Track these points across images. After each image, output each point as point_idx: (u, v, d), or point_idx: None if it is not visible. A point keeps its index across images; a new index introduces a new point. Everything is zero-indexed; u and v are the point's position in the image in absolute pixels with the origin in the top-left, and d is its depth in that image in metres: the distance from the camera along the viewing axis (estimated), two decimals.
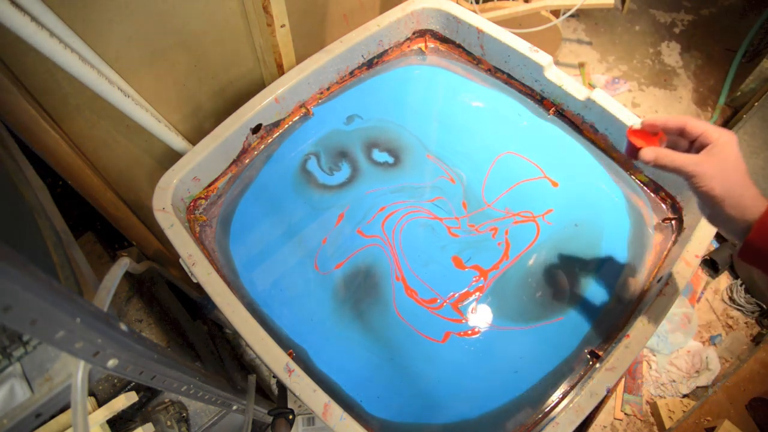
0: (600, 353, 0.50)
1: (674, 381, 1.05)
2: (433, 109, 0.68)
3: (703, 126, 0.40)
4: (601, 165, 0.62)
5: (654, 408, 1.01)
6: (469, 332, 0.52)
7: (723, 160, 0.38)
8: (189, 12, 0.58)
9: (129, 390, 0.60)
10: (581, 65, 1.39)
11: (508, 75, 0.69)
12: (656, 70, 1.49)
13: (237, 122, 0.61)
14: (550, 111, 0.66)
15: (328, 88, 0.70)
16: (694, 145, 0.40)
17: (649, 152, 0.40)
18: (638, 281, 0.55)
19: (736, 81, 1.41)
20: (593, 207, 0.59)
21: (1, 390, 0.49)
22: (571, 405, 0.45)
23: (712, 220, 0.40)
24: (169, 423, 0.62)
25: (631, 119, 0.58)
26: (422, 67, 0.72)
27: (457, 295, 0.54)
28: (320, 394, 0.45)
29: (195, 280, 0.52)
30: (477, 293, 0.54)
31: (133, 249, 0.83)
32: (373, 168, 0.63)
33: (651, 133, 0.42)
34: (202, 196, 0.62)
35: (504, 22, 1.25)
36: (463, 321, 0.53)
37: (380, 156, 0.64)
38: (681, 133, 0.41)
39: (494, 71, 0.70)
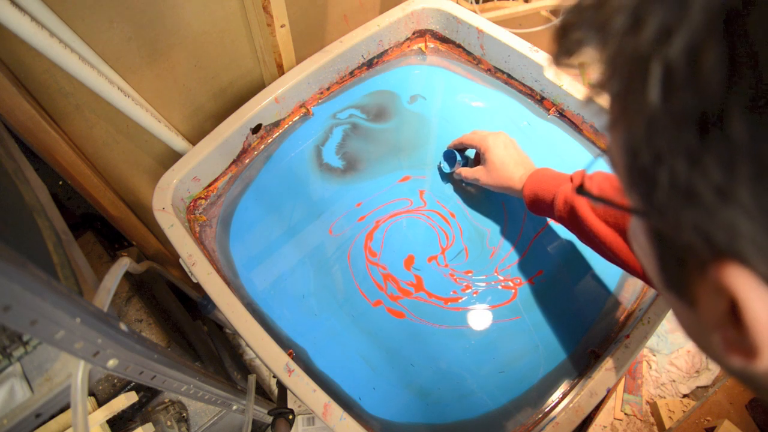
0: (600, 353, 0.50)
1: (674, 381, 1.05)
2: (432, 109, 0.68)
3: (470, 139, 0.57)
4: (602, 165, 0.62)
5: (654, 408, 1.01)
6: (469, 332, 0.52)
7: (490, 162, 0.54)
8: (189, 12, 0.58)
9: (129, 390, 0.60)
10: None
11: (508, 75, 0.69)
12: None
13: (237, 122, 0.61)
14: (550, 111, 0.66)
15: (328, 88, 0.70)
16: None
17: (458, 172, 0.59)
18: (638, 281, 0.55)
19: None
20: None
21: (1, 390, 0.49)
22: (571, 405, 0.45)
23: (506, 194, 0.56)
24: (169, 423, 0.62)
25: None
26: (422, 67, 0.72)
27: (457, 294, 0.54)
28: (320, 394, 0.45)
29: (195, 280, 0.52)
30: (477, 293, 0.54)
31: (133, 249, 0.83)
32: (373, 168, 0.63)
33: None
34: (202, 196, 0.62)
35: (504, 22, 1.25)
36: (464, 321, 0.53)
37: (380, 156, 0.64)
38: (468, 147, 0.59)
39: (494, 71, 0.70)
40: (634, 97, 0.15)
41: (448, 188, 0.62)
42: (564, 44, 0.18)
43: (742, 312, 0.15)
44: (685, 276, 0.17)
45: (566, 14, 0.17)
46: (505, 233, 0.58)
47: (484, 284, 0.55)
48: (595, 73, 0.17)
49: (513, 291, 0.54)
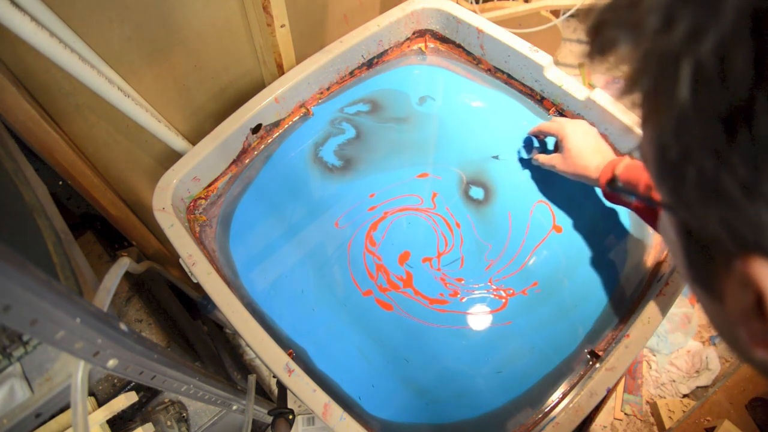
0: (600, 353, 0.50)
1: (674, 381, 1.05)
2: (432, 109, 0.68)
3: (549, 127, 0.57)
4: None
5: (654, 408, 1.01)
6: (470, 332, 0.52)
7: (567, 150, 0.54)
8: (189, 12, 0.58)
9: (129, 390, 0.60)
10: (581, 65, 1.39)
11: (508, 75, 0.69)
12: None
13: (237, 122, 0.61)
14: (550, 111, 0.66)
15: (328, 88, 0.70)
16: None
17: (535, 158, 0.60)
18: (638, 281, 0.55)
19: None
20: (594, 206, 0.59)
21: (1, 390, 0.49)
22: (571, 405, 0.45)
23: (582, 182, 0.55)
24: (169, 423, 0.62)
25: (631, 118, 0.58)
26: (422, 67, 0.72)
27: (443, 297, 0.54)
28: (320, 394, 0.45)
29: (195, 280, 0.52)
30: (464, 300, 0.54)
31: (133, 249, 0.83)
32: (373, 168, 0.63)
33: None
34: (202, 196, 0.62)
35: (504, 22, 1.25)
36: (464, 321, 0.53)
37: (380, 156, 0.64)
38: (547, 135, 0.59)
39: (494, 71, 0.70)
40: (665, 95, 0.15)
41: (460, 199, 0.61)
42: (597, 43, 0.18)
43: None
44: (712, 270, 0.18)
45: (600, 13, 0.17)
46: (507, 247, 0.57)
47: (475, 293, 0.54)
48: (627, 70, 0.17)
49: (504, 300, 0.54)
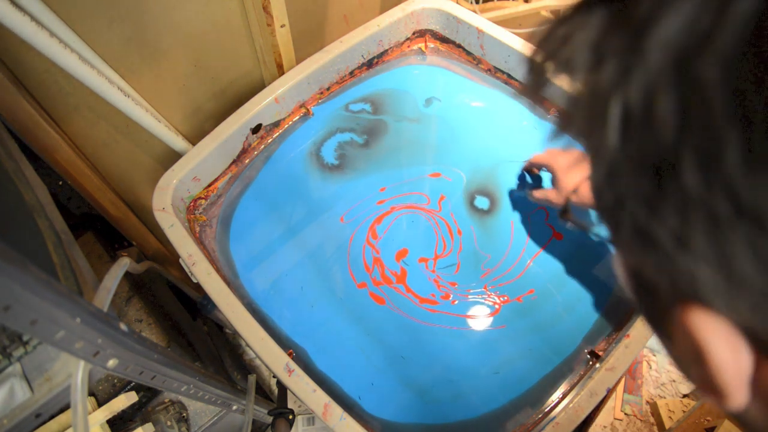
0: (600, 353, 0.50)
1: (674, 381, 1.05)
2: (439, 110, 0.68)
3: (540, 159, 0.55)
4: None
5: (654, 408, 1.01)
6: (464, 333, 0.52)
7: (560, 183, 0.51)
8: (189, 12, 0.58)
9: (129, 390, 0.60)
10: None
11: (508, 75, 0.69)
12: None
13: (237, 122, 0.61)
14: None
15: (328, 88, 0.70)
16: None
17: (530, 195, 0.56)
18: None
19: None
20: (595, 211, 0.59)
21: (1, 390, 0.49)
22: (571, 405, 0.45)
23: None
24: (169, 423, 0.62)
25: None
26: (422, 67, 0.72)
27: (434, 298, 0.54)
28: (320, 394, 0.45)
29: (195, 280, 0.52)
30: (455, 303, 0.54)
31: (133, 249, 0.83)
32: (373, 168, 0.63)
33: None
34: (202, 196, 0.62)
35: (504, 22, 1.24)
36: (464, 321, 0.53)
37: (380, 156, 0.64)
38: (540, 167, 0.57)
39: (494, 71, 0.70)
40: (596, 137, 0.14)
41: (465, 208, 0.60)
42: (533, 78, 0.17)
43: (706, 356, 0.15)
44: (659, 312, 0.17)
45: (536, 48, 0.16)
46: (505, 257, 0.57)
47: (468, 297, 0.54)
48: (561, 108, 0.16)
49: (497, 306, 0.54)
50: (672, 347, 0.18)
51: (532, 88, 0.17)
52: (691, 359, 0.16)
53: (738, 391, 0.15)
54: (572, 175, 0.51)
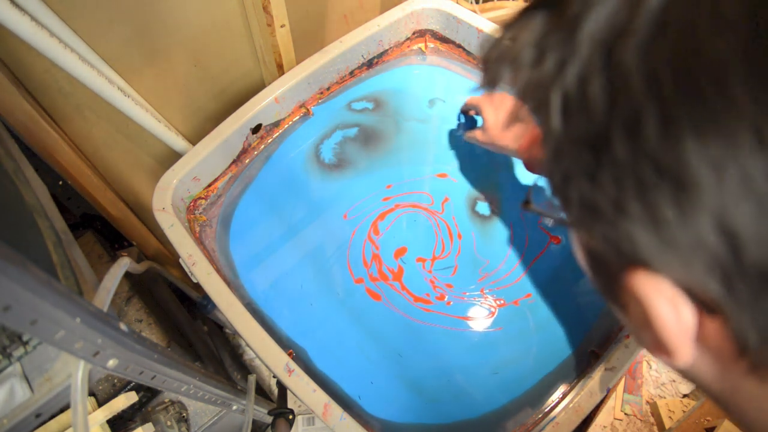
0: (600, 353, 0.50)
1: (674, 381, 1.05)
2: (436, 109, 0.68)
3: (470, 101, 0.58)
4: None
5: (654, 408, 1.01)
6: (461, 333, 0.52)
7: (485, 121, 0.54)
8: (189, 12, 0.58)
9: (129, 390, 0.60)
10: None
11: None
12: None
13: (237, 122, 0.61)
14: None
15: (328, 88, 0.70)
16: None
17: (463, 134, 0.61)
18: None
19: None
20: None
21: (1, 390, 0.49)
22: (571, 405, 0.45)
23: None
24: (169, 423, 0.62)
25: None
26: (422, 67, 0.72)
27: (429, 298, 0.54)
28: (320, 394, 0.45)
29: (195, 280, 0.52)
30: (450, 304, 0.54)
31: (133, 249, 0.83)
32: (378, 165, 0.63)
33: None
34: (202, 196, 0.62)
35: (504, 23, 1.24)
36: (461, 322, 0.53)
37: (385, 154, 0.64)
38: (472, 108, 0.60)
39: None
40: (542, 124, 0.16)
41: (467, 214, 0.60)
42: (486, 76, 0.19)
43: (651, 315, 0.16)
44: (611, 283, 0.18)
45: (487, 49, 0.19)
46: (504, 263, 0.57)
47: (464, 299, 0.54)
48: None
49: (493, 309, 0.53)
50: (626, 316, 0.19)
51: (486, 85, 0.20)
52: (641, 324, 0.17)
53: (683, 347, 0.16)
54: (497, 114, 0.54)
